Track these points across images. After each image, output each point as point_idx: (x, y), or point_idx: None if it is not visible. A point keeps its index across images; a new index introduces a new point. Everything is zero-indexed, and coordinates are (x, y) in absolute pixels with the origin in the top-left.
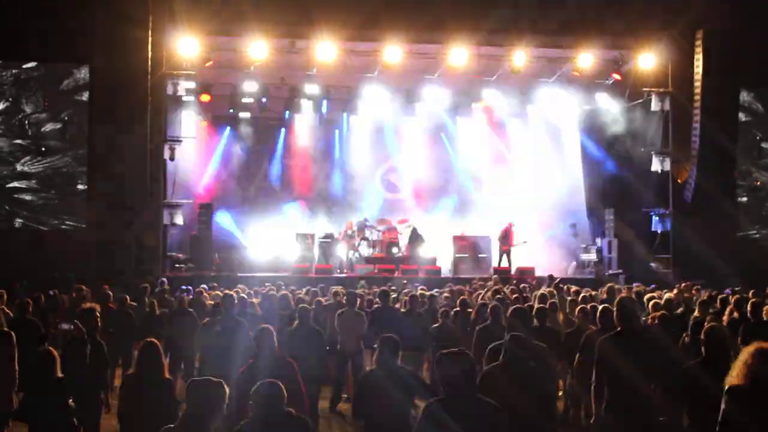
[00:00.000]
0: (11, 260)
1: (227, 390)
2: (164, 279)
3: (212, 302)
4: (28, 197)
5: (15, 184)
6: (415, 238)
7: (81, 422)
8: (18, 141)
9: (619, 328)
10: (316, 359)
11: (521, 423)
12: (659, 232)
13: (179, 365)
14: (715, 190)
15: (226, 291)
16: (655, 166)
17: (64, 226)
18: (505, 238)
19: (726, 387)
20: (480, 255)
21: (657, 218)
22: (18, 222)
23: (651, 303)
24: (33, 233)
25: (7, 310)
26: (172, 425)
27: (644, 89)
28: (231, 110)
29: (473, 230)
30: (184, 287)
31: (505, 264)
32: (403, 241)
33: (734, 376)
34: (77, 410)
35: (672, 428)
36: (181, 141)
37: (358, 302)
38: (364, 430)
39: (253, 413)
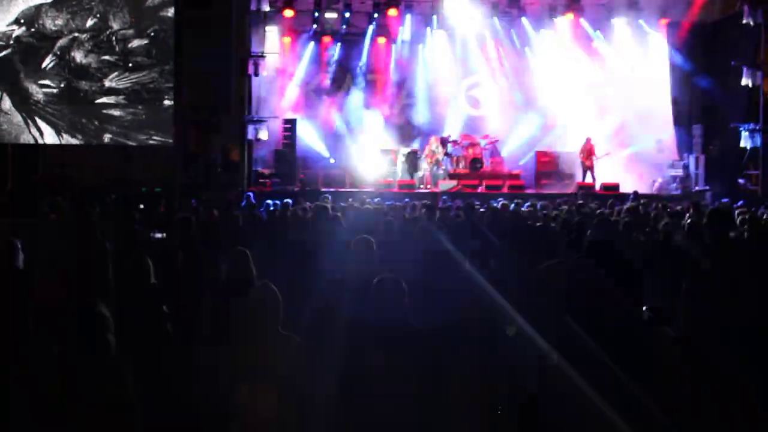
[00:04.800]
0: (101, 175)
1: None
2: (250, 193)
3: (300, 215)
4: (116, 113)
5: (103, 99)
6: None
7: (174, 328)
8: (106, 57)
9: (707, 241)
10: None
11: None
12: (748, 148)
13: (267, 275)
14: None
15: (316, 203)
16: (746, 80)
17: (151, 141)
18: (586, 153)
19: None
20: (564, 171)
21: (747, 133)
22: (107, 137)
23: (739, 218)
24: (121, 148)
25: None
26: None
27: (737, 0)
28: (314, 25)
29: (558, 146)
30: (269, 201)
31: (589, 180)
32: (487, 156)
33: None
34: (170, 317)
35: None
36: (265, 56)
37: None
38: None
39: None
